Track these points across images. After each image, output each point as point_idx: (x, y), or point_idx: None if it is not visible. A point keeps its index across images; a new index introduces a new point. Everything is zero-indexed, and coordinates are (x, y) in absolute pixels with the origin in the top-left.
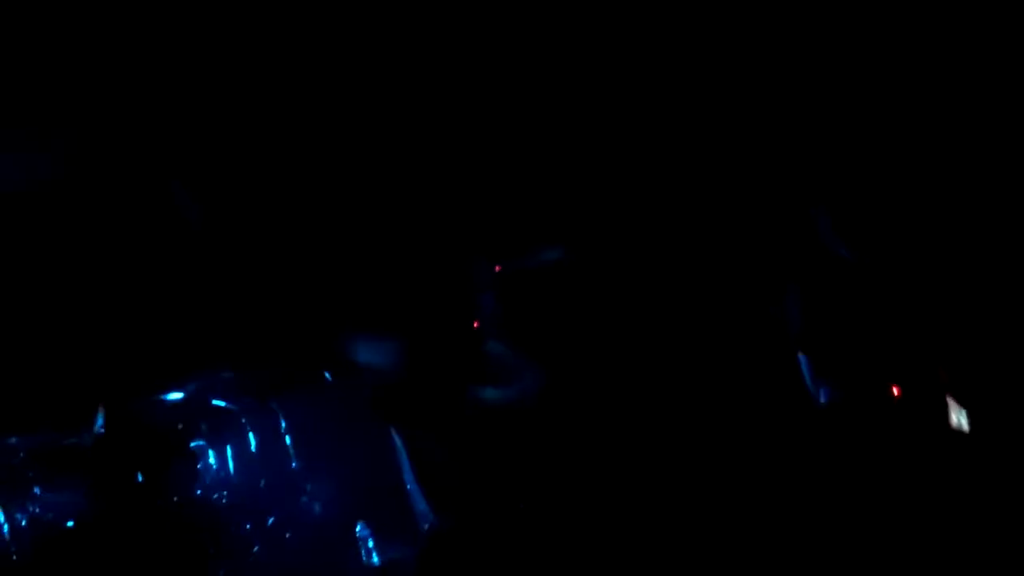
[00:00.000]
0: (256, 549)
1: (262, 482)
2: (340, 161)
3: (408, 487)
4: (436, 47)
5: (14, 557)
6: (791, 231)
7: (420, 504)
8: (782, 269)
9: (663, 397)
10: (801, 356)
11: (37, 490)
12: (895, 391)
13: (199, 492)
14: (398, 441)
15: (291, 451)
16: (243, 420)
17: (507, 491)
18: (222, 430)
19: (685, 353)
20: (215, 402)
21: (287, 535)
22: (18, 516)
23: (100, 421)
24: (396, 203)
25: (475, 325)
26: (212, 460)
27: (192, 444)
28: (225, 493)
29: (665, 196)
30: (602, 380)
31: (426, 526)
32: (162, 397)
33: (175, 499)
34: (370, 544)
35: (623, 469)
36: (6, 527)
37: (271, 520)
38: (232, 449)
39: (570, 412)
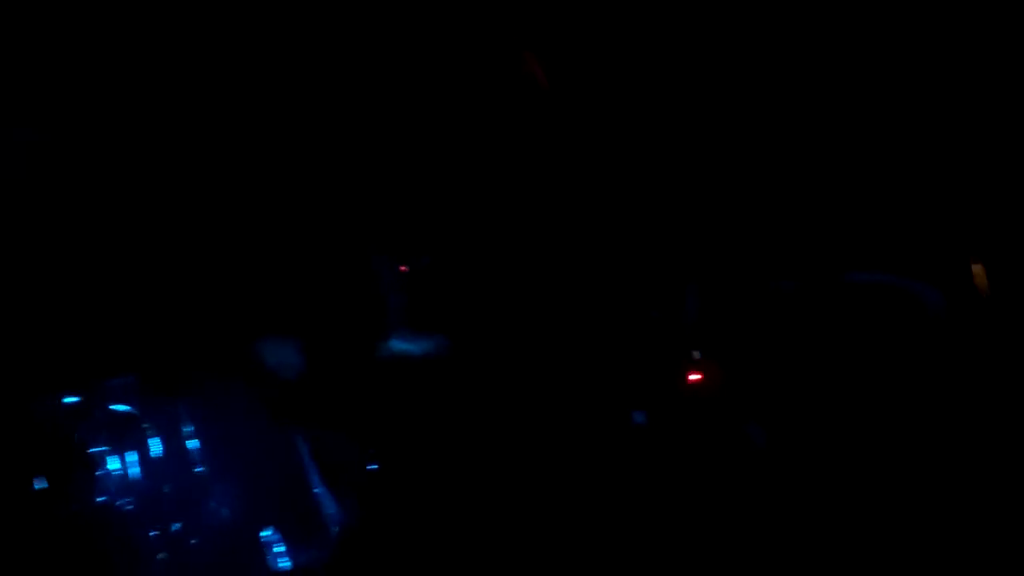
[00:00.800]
0: (161, 556)
1: (166, 487)
2: (241, 157)
3: (316, 490)
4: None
5: None
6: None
7: (329, 507)
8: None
9: (567, 394)
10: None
11: None
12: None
13: (101, 499)
14: (301, 443)
15: (195, 455)
16: (145, 424)
17: (415, 492)
18: (124, 435)
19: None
20: (116, 407)
21: (193, 541)
22: None
23: None
24: (298, 201)
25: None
26: (114, 466)
27: (92, 450)
28: (128, 499)
29: (568, 193)
30: (510, 378)
31: (336, 529)
32: (61, 401)
33: (75, 507)
34: (279, 549)
35: (532, 465)
36: None
37: (176, 526)
38: (134, 454)
39: (479, 410)
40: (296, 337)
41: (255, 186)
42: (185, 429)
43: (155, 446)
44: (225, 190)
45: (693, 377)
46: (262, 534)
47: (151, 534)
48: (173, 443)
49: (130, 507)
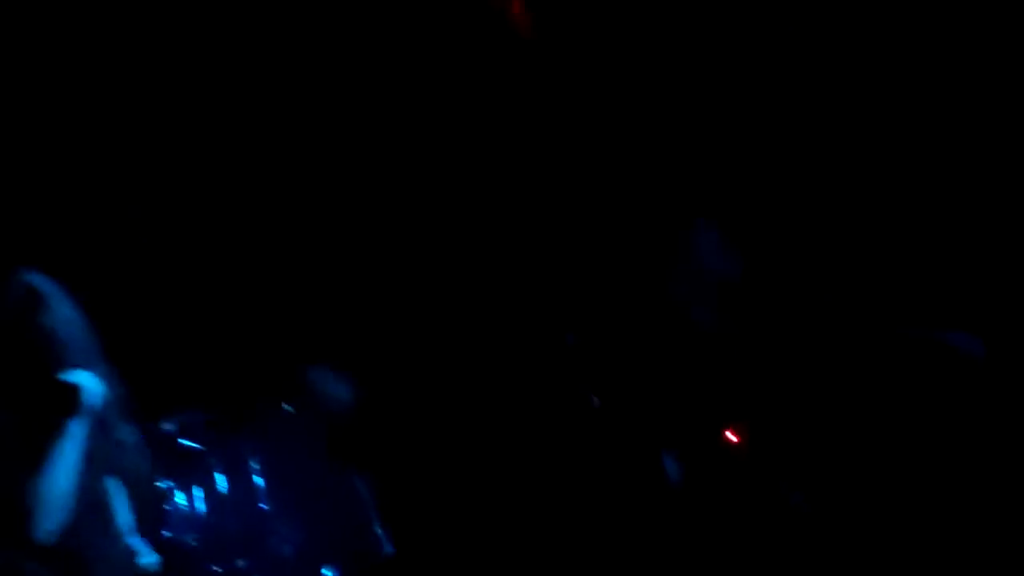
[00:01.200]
0: None
1: (231, 523)
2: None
3: (374, 525)
4: None
5: None
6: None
7: (386, 543)
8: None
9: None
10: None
11: None
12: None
13: (167, 534)
14: (360, 480)
15: (260, 491)
16: (211, 460)
17: (471, 522)
18: (190, 471)
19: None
20: (181, 442)
21: None
22: None
23: None
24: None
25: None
26: (180, 501)
27: (159, 484)
28: (193, 535)
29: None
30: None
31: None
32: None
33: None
34: None
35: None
36: None
37: (241, 563)
38: (200, 490)
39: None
40: (353, 373)
41: (305, 221)
42: (250, 465)
43: (221, 482)
44: (275, 228)
45: (730, 436)
46: (323, 571)
47: (215, 569)
48: (238, 479)
49: (196, 542)
